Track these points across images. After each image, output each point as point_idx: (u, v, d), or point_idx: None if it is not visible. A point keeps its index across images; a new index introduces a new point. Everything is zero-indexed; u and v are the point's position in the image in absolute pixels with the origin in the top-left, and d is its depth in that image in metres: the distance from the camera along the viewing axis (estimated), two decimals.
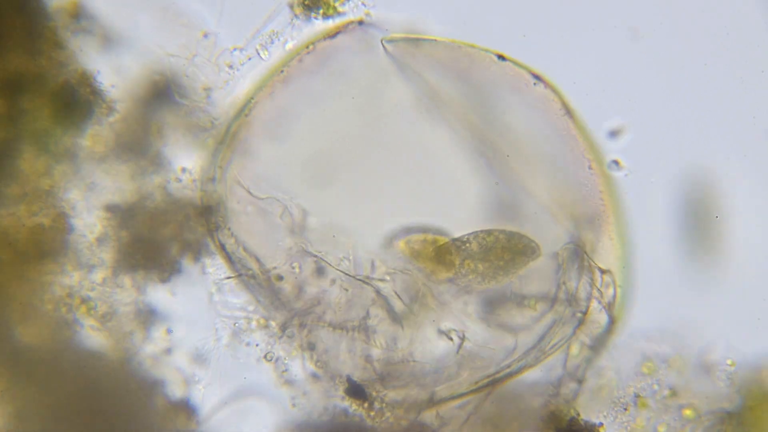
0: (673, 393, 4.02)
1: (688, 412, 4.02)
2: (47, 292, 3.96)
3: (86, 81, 3.96)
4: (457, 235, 4.01)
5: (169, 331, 4.06)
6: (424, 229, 4.01)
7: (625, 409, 4.02)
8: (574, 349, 4.05)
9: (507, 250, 3.97)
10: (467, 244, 3.97)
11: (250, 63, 4.07)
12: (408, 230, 4.02)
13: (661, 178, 4.05)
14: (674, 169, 4.05)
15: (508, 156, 4.02)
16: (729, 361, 4.01)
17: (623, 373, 4.04)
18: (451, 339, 4.02)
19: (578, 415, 4.03)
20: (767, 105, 4.07)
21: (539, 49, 4.04)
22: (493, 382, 4.04)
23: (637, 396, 4.03)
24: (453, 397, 4.05)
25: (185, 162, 4.04)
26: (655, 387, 4.03)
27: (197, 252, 4.05)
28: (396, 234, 4.02)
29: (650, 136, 4.04)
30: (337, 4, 4.04)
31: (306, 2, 4.04)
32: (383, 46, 4.03)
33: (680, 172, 4.05)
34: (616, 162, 4.04)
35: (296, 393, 4.09)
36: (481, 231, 3.97)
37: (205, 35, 4.03)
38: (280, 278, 4.04)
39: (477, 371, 4.03)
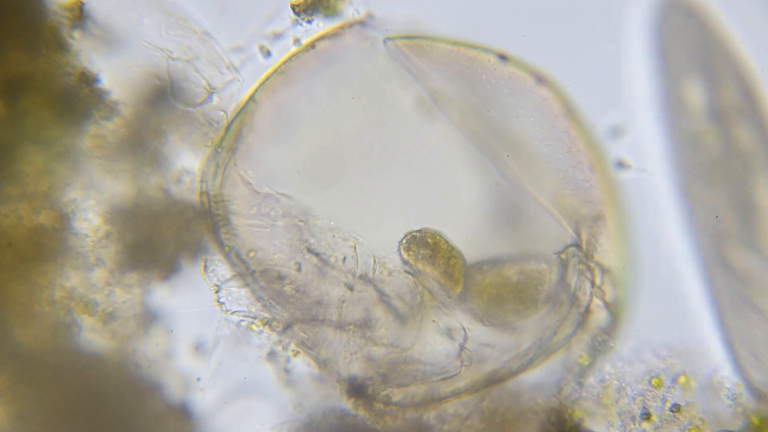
0: (680, 409, 4.03)
1: (693, 430, 4.04)
2: (47, 293, 3.95)
3: (86, 82, 3.95)
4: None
5: (169, 332, 4.05)
6: (429, 233, 4.02)
7: (632, 421, 4.03)
8: (576, 348, 4.06)
9: (515, 295, 4.00)
10: (481, 277, 3.99)
11: (252, 63, 4.06)
12: (413, 234, 4.03)
13: (663, 176, 4.08)
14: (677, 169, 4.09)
15: (507, 156, 4.02)
16: (738, 383, 4.03)
17: (630, 385, 4.04)
18: (453, 338, 4.03)
19: (582, 421, 4.04)
20: None
21: (540, 48, 4.05)
22: (495, 381, 4.05)
23: (644, 409, 4.03)
24: (454, 396, 4.06)
25: (186, 162, 4.03)
26: (662, 402, 4.04)
27: (198, 252, 4.04)
28: (402, 238, 4.03)
29: (653, 137, 4.06)
30: (338, 4, 4.05)
31: (308, 2, 4.05)
32: (385, 46, 4.04)
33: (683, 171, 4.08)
34: (621, 163, 4.06)
35: (297, 393, 4.09)
36: (497, 268, 3.99)
37: (206, 36, 4.03)
38: (282, 278, 4.04)
39: (479, 370, 4.04)
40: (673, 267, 4.06)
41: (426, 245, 4.00)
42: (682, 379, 4.04)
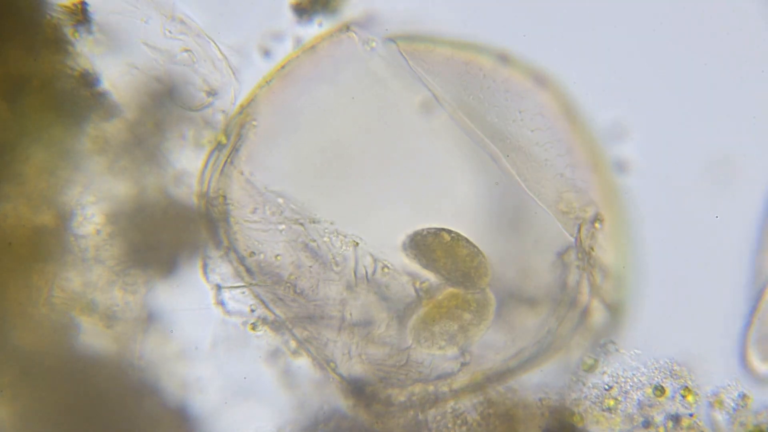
0: (680, 420, 4.03)
1: None
2: (46, 293, 3.95)
3: (87, 83, 3.95)
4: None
5: (169, 332, 4.05)
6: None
7: (633, 430, 4.03)
8: (577, 351, 4.06)
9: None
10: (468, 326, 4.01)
11: (252, 63, 4.07)
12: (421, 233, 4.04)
13: (667, 179, 4.08)
14: (679, 170, 4.09)
15: (507, 156, 4.03)
16: (746, 394, 4.03)
17: (632, 393, 4.04)
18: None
19: (583, 425, 4.04)
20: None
21: (540, 48, 4.05)
22: (495, 381, 4.05)
23: (645, 418, 4.03)
24: (454, 396, 4.06)
25: (186, 163, 4.04)
26: (663, 411, 4.04)
27: (197, 252, 4.05)
28: (409, 237, 4.03)
29: (653, 137, 4.07)
30: (338, 4, 4.05)
31: (308, 2, 4.05)
32: (385, 46, 4.04)
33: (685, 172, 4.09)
34: (622, 165, 4.06)
35: (297, 394, 4.09)
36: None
37: (205, 36, 4.03)
38: (281, 278, 4.04)
39: (479, 371, 4.04)
40: (676, 271, 4.07)
41: (436, 246, 4.01)
42: (683, 390, 4.03)
